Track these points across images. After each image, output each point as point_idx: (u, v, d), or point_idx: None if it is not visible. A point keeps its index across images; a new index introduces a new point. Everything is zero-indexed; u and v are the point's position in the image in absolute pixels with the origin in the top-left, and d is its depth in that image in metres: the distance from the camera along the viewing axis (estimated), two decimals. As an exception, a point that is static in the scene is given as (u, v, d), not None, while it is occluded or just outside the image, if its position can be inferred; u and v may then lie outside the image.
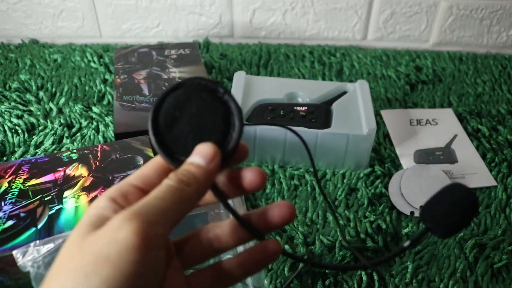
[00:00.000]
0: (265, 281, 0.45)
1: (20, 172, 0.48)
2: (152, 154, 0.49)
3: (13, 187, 0.46)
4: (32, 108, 0.67)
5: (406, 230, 0.51)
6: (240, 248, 0.35)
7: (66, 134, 0.62)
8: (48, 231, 0.41)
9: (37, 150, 0.60)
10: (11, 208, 0.43)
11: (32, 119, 0.64)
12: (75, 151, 0.51)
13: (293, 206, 0.28)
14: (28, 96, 0.69)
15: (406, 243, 0.28)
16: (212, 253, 0.30)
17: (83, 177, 0.47)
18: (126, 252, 0.22)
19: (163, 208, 0.24)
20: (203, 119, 0.27)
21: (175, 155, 0.27)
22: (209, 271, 0.30)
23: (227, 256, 0.36)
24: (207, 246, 0.29)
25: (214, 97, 0.28)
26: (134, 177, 0.28)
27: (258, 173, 0.28)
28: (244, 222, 0.28)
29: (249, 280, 0.43)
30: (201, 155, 0.27)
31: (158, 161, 0.28)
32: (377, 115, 0.69)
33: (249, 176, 0.28)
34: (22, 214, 0.42)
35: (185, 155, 0.27)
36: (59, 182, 0.46)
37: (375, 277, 0.46)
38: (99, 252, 0.22)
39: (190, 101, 0.27)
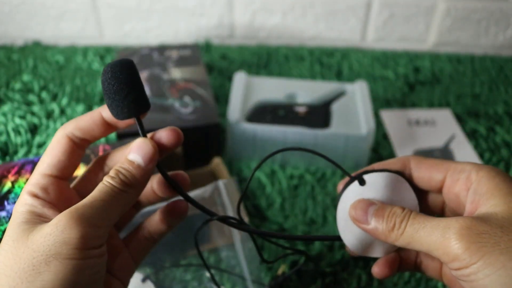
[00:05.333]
0: (265, 281, 0.46)
1: (23, 171, 0.49)
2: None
3: (16, 186, 0.46)
4: (34, 109, 0.67)
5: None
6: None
7: (68, 135, 0.63)
8: (52, 230, 0.41)
9: (39, 150, 0.61)
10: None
11: (35, 120, 0.65)
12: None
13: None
14: (31, 96, 0.70)
15: None
16: (154, 242, 0.33)
17: (85, 176, 0.48)
18: (74, 250, 0.24)
19: (106, 211, 0.26)
20: None
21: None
22: (140, 231, 0.33)
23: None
24: (149, 237, 0.33)
25: None
26: (48, 167, 0.28)
27: (173, 131, 0.29)
28: (196, 203, 0.31)
29: (247, 275, 0.44)
30: (141, 154, 0.28)
31: (64, 142, 0.29)
32: (376, 115, 0.69)
33: (165, 136, 0.29)
34: (26, 213, 0.43)
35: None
36: (62, 181, 0.47)
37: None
38: (49, 251, 0.24)
39: None
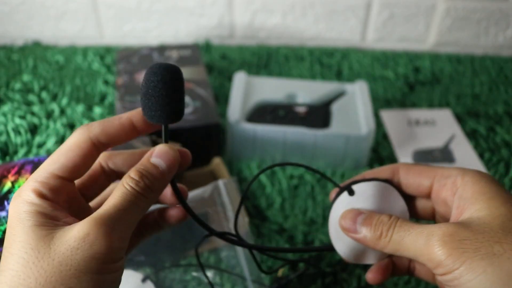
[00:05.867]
0: (265, 281, 0.46)
1: (23, 171, 0.49)
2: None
3: (16, 187, 0.46)
4: (34, 109, 0.67)
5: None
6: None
7: (68, 134, 0.63)
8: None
9: (39, 150, 0.61)
10: (15, 207, 0.44)
11: (35, 120, 0.65)
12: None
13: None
14: (31, 96, 0.70)
15: None
16: (142, 238, 0.33)
17: (85, 176, 0.48)
18: (102, 266, 0.24)
19: (129, 220, 0.26)
20: None
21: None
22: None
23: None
24: (137, 233, 0.32)
25: None
26: (61, 168, 0.26)
27: (184, 152, 0.30)
28: (198, 218, 0.31)
29: (247, 275, 0.44)
30: (164, 159, 0.27)
31: (85, 147, 0.27)
32: (376, 115, 0.69)
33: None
34: (26, 213, 0.43)
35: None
36: (62, 181, 0.47)
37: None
38: (78, 266, 0.23)
39: None
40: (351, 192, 0.32)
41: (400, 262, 0.33)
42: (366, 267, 0.48)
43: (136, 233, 0.32)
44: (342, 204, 0.32)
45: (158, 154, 0.27)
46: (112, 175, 0.31)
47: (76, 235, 0.24)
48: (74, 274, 0.23)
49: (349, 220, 0.30)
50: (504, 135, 0.65)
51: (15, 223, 0.25)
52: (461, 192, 0.28)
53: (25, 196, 0.25)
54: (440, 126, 0.67)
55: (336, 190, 0.34)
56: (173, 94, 0.27)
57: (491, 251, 0.24)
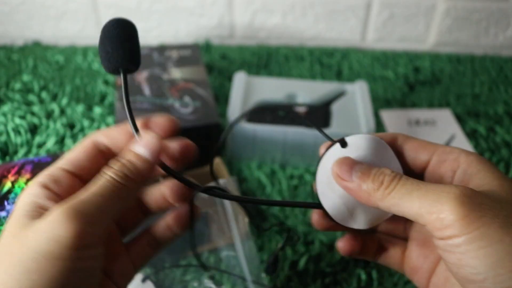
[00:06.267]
0: (265, 281, 0.46)
1: (23, 171, 0.49)
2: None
3: (16, 187, 0.46)
4: (34, 109, 0.67)
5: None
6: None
7: (68, 134, 0.63)
8: (52, 230, 0.41)
9: (39, 150, 0.61)
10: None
11: (35, 120, 0.65)
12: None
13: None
14: (31, 96, 0.70)
15: None
16: (157, 248, 0.32)
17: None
18: (66, 250, 0.23)
19: (104, 207, 0.25)
20: None
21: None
22: (144, 236, 0.32)
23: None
24: (153, 243, 0.32)
25: None
26: (65, 161, 0.28)
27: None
28: (181, 176, 0.29)
29: (247, 275, 0.44)
30: (147, 147, 0.27)
31: (87, 144, 0.29)
32: (376, 115, 0.69)
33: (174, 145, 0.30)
34: (26, 213, 0.43)
35: None
36: (62, 181, 0.47)
37: (374, 276, 0.47)
38: (40, 249, 0.23)
39: None
40: (344, 144, 0.30)
41: (370, 243, 0.33)
42: (366, 267, 0.48)
43: (151, 243, 0.32)
44: (333, 157, 0.30)
45: (141, 143, 0.27)
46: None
47: (46, 218, 0.24)
48: (34, 256, 0.22)
49: (346, 166, 0.28)
50: (504, 135, 0.65)
51: (12, 215, 0.25)
52: (466, 167, 0.27)
53: (29, 188, 0.26)
54: (440, 126, 0.67)
55: (327, 144, 0.31)
56: (129, 39, 0.30)
57: (510, 222, 0.23)
